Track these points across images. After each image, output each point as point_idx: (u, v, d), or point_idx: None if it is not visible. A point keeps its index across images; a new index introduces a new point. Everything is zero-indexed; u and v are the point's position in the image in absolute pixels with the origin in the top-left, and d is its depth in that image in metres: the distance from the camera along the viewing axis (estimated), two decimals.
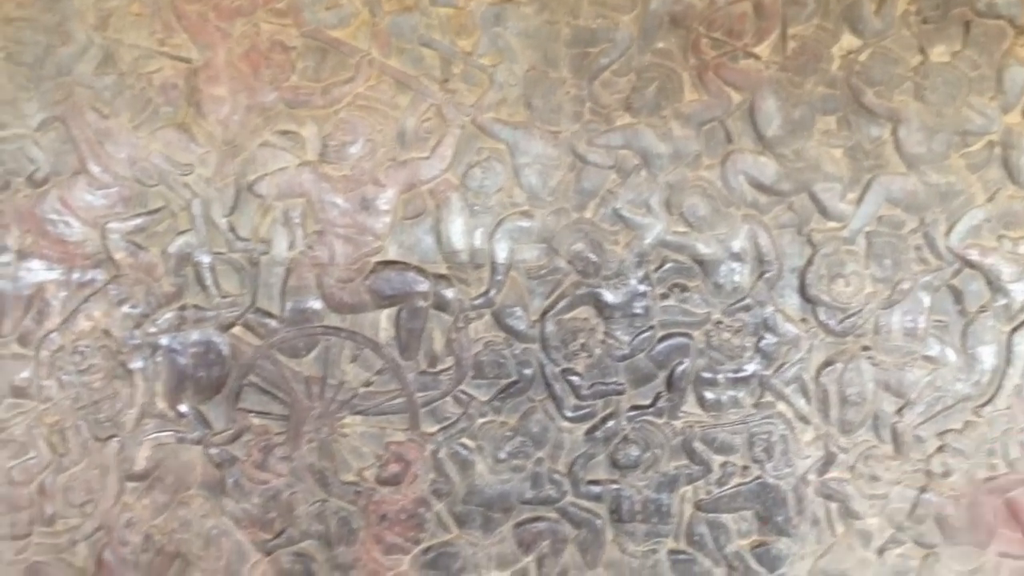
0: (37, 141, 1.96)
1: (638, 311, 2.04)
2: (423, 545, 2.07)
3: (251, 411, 2.03)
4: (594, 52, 2.02)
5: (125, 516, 2.02)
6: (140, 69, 1.96)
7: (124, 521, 2.02)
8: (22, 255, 1.96)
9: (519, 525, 2.07)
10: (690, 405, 2.06)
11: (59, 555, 2.01)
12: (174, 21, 1.96)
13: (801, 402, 2.05)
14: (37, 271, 1.97)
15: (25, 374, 1.98)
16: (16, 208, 1.96)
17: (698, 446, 2.07)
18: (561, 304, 2.03)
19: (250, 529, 2.04)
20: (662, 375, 2.05)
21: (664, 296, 2.04)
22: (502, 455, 2.06)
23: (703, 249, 2.04)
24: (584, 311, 2.04)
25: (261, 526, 2.05)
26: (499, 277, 2.02)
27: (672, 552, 2.08)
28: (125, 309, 1.99)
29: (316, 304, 2.01)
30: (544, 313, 2.03)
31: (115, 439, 2.01)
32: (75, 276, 1.98)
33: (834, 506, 2.06)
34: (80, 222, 1.97)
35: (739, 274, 2.04)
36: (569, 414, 2.06)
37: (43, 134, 1.96)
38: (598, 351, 2.04)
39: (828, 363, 2.04)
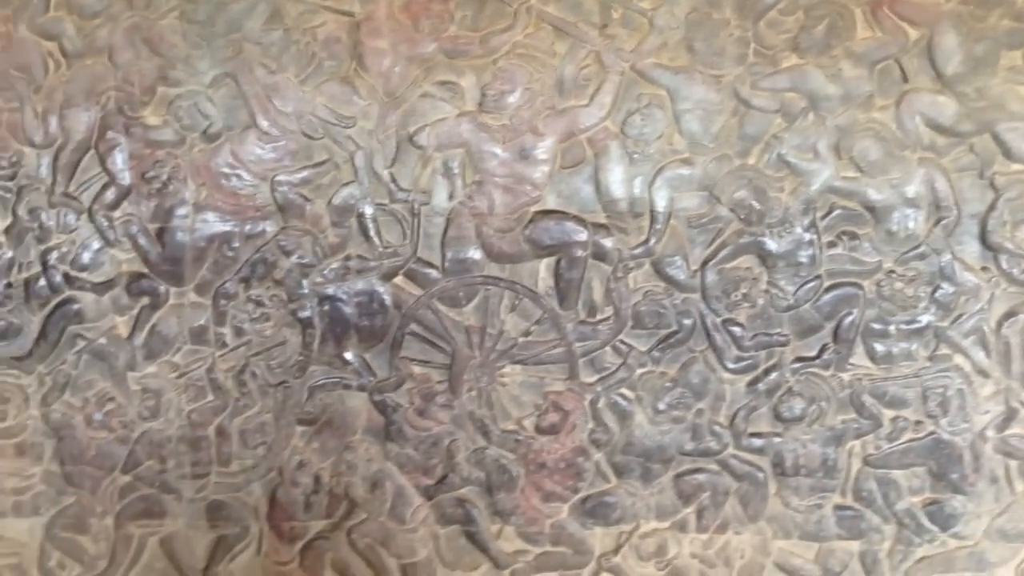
0: (210, 97, 2.37)
1: (803, 260, 2.32)
2: (582, 494, 2.42)
3: (413, 359, 2.41)
4: None
5: (296, 459, 2.45)
6: (305, 24, 2.35)
7: (295, 463, 2.45)
8: (198, 208, 2.40)
9: (679, 476, 2.40)
10: (859, 357, 2.33)
11: (235, 494, 2.47)
12: None
13: (980, 355, 2.30)
14: (212, 223, 2.40)
15: (202, 321, 2.43)
16: (192, 162, 2.39)
17: (867, 400, 2.35)
18: (723, 253, 2.33)
19: (412, 474, 2.44)
20: (829, 326, 2.33)
21: (832, 244, 2.31)
22: (661, 406, 2.39)
23: (874, 195, 2.30)
24: (746, 260, 2.33)
25: (423, 471, 2.44)
26: (659, 226, 2.33)
27: (838, 507, 2.38)
28: (294, 259, 2.41)
29: (476, 254, 2.37)
30: (705, 262, 2.33)
31: (285, 385, 2.43)
32: (247, 227, 2.40)
33: (1014, 464, 2.32)
34: (251, 175, 2.39)
35: (913, 221, 2.30)
36: (731, 365, 2.36)
37: (215, 90, 2.37)
38: (761, 301, 2.33)
39: (1010, 314, 2.29)
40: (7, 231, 2.39)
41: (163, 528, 2.48)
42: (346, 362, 2.42)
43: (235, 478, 2.46)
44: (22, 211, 2.38)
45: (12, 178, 2.37)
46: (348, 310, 2.39)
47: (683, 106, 2.29)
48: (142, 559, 2.49)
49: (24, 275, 2.40)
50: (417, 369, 2.41)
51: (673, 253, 2.33)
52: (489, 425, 2.41)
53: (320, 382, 2.43)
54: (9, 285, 2.40)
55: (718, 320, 2.34)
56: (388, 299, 2.38)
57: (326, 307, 2.40)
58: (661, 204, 2.31)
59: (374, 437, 2.43)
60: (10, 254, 2.40)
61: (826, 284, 2.31)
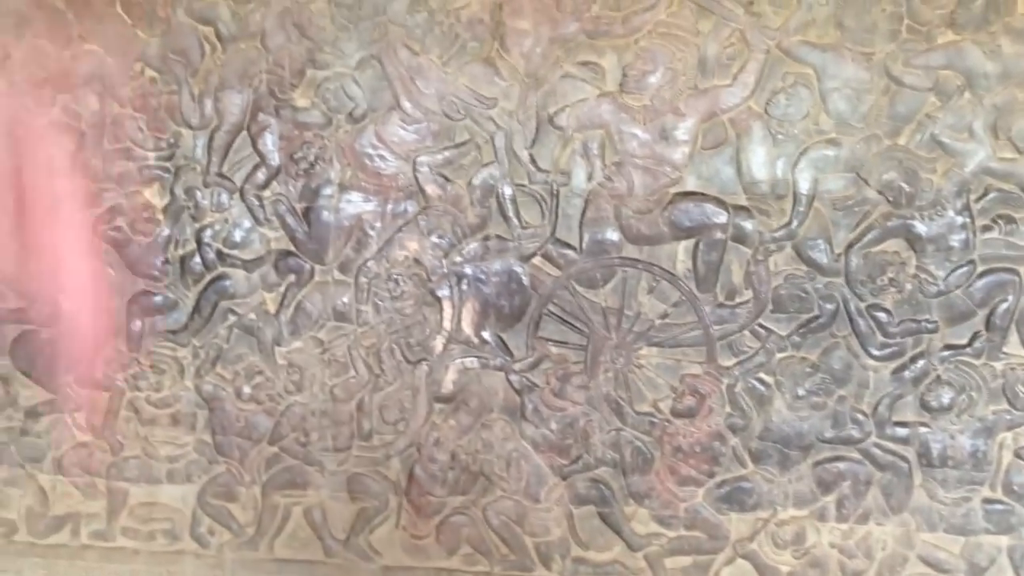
0: (356, 79, 2.91)
1: (955, 244, 2.69)
2: (718, 478, 2.88)
3: (550, 340, 2.90)
4: None
5: (433, 435, 3.00)
6: (449, 6, 2.84)
7: (432, 440, 3.01)
8: (343, 188, 2.96)
9: (818, 464, 2.83)
10: (1013, 346, 2.69)
11: (375, 468, 3.03)
12: None
13: None
14: (356, 203, 2.96)
15: (345, 299, 2.99)
16: (338, 143, 2.95)
17: (1021, 390, 2.72)
18: (869, 236, 2.72)
19: (548, 453, 2.96)
20: (981, 313, 2.70)
21: (986, 228, 2.67)
22: (801, 391, 2.81)
23: None
24: (894, 244, 2.71)
25: (558, 451, 2.95)
26: (801, 208, 2.73)
27: (987, 501, 2.77)
28: (433, 239, 2.94)
29: (614, 235, 2.84)
30: (849, 246, 2.73)
31: (425, 362, 2.97)
32: (389, 207, 2.95)
33: None
34: (394, 156, 2.93)
35: None
36: (875, 352, 2.76)
37: (361, 72, 2.91)
38: (909, 286, 2.72)
39: None
40: (165, 210, 3.00)
41: (307, 499, 3.08)
42: (484, 341, 2.94)
43: (375, 452, 3.03)
44: (179, 190, 2.99)
45: (170, 158, 2.97)
46: (487, 289, 2.91)
47: (830, 85, 2.67)
48: (287, 528, 3.11)
49: (180, 252, 3.01)
50: (554, 349, 2.90)
51: (816, 236, 2.73)
52: (625, 407, 2.90)
53: (458, 361, 2.97)
54: (166, 261, 3.02)
55: (862, 305, 2.74)
56: (526, 279, 2.88)
57: (465, 287, 2.93)
58: (805, 186, 2.72)
59: (510, 416, 2.95)
60: (167, 231, 3.01)
61: (979, 270, 2.67)
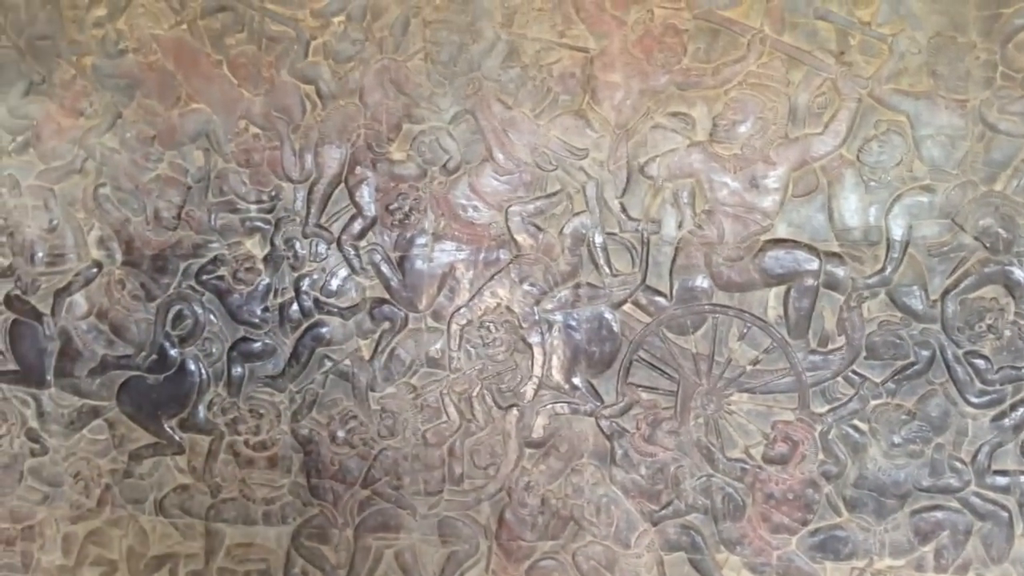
0: (451, 132, 2.83)
1: None
2: (811, 526, 2.70)
3: (640, 386, 2.78)
4: (1007, 13, 2.50)
5: (524, 480, 2.87)
6: (541, 61, 2.78)
7: (523, 484, 2.87)
8: (437, 237, 2.88)
9: (915, 513, 2.64)
10: None
11: (466, 512, 2.90)
12: (573, 14, 2.75)
13: None
14: (449, 251, 2.86)
15: (438, 346, 2.91)
16: (432, 194, 2.88)
17: None
18: (966, 283, 2.56)
19: (638, 499, 2.81)
20: None
21: None
22: (897, 439, 2.64)
23: None
24: (992, 290, 2.55)
25: (648, 497, 2.80)
26: (895, 254, 2.59)
27: None
28: (525, 287, 2.84)
29: (704, 282, 2.71)
30: (945, 292, 2.57)
31: (515, 408, 2.85)
32: (482, 256, 2.86)
33: None
34: (486, 206, 2.84)
35: None
36: (973, 399, 2.59)
37: (455, 126, 2.84)
38: (1008, 333, 2.55)
39: None
40: (265, 259, 2.94)
41: (399, 542, 2.96)
42: (574, 387, 2.81)
43: (466, 496, 2.90)
44: (279, 241, 2.92)
45: (271, 211, 2.92)
46: (578, 336, 2.80)
47: (924, 132, 2.54)
48: (378, 570, 2.98)
49: (279, 300, 2.94)
50: (644, 395, 2.78)
51: (911, 283, 2.58)
52: (715, 453, 2.75)
53: (548, 406, 2.84)
54: (266, 309, 2.95)
55: (960, 352, 2.57)
56: (616, 326, 2.77)
57: (556, 333, 2.81)
58: (898, 232, 2.58)
59: (600, 461, 2.82)
60: (267, 280, 2.95)
61: None
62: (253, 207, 2.94)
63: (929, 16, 2.54)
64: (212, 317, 2.94)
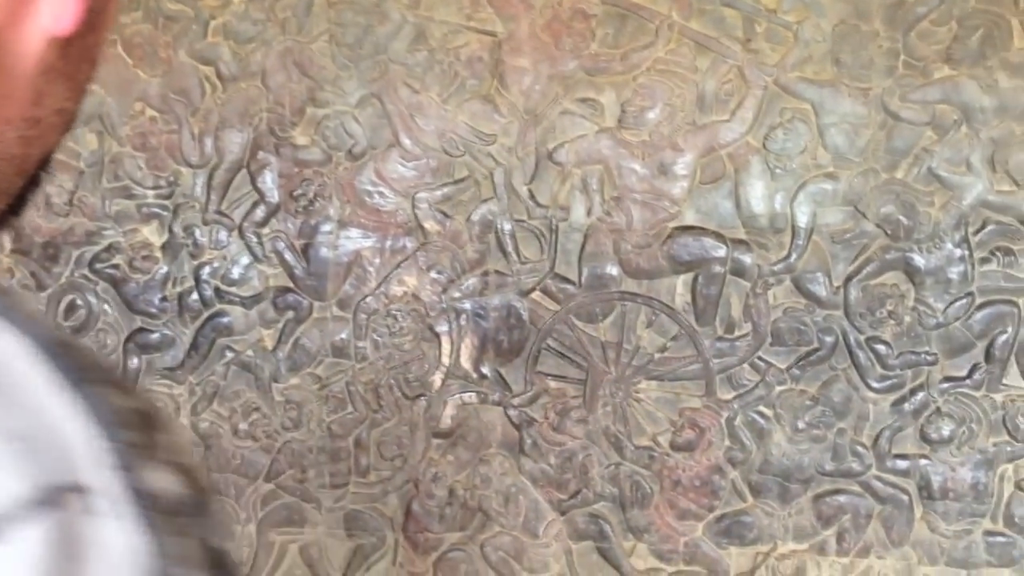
0: (356, 117, 2.61)
1: (954, 277, 2.44)
2: (717, 512, 2.58)
3: (549, 374, 2.61)
4: (910, 1, 2.40)
5: (431, 471, 2.68)
6: (449, 44, 2.59)
7: (430, 476, 2.68)
8: (342, 224, 2.66)
9: (818, 497, 2.54)
10: (1013, 377, 2.44)
11: (372, 504, 2.69)
12: None
13: None
14: (355, 239, 2.66)
15: (343, 335, 2.69)
16: (337, 180, 2.66)
17: (1021, 422, 2.45)
18: (867, 269, 2.47)
19: (546, 488, 2.64)
20: (981, 345, 2.45)
21: (985, 260, 2.43)
22: (801, 424, 2.54)
23: None
24: (893, 277, 2.46)
25: (557, 486, 2.64)
26: (800, 242, 2.49)
27: (989, 533, 2.49)
28: (432, 275, 2.65)
29: (613, 270, 2.57)
30: (848, 279, 2.48)
31: (423, 398, 2.66)
32: (388, 244, 2.65)
33: None
34: (393, 192, 2.64)
35: None
36: (875, 384, 2.50)
37: (361, 110, 2.63)
38: (908, 319, 2.46)
39: None
40: (163, 247, 2.68)
41: (303, 536, 2.73)
42: (483, 376, 2.64)
43: (372, 489, 2.69)
44: (178, 228, 2.66)
45: (169, 196, 2.66)
46: (486, 324, 2.62)
47: (828, 120, 2.44)
48: (283, 566, 2.75)
49: (178, 289, 2.69)
50: (553, 384, 2.61)
51: (815, 269, 2.48)
52: (624, 441, 2.60)
53: (456, 395, 2.65)
54: (164, 299, 2.69)
55: (862, 338, 2.48)
56: (525, 314, 2.60)
57: (463, 322, 2.63)
58: (803, 219, 2.47)
59: (508, 451, 2.64)
60: (165, 269, 2.69)
61: (978, 302, 2.43)
62: (150, 193, 2.68)
63: (833, 4, 2.44)
64: (107, 307, 2.69)
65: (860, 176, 2.44)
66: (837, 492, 2.53)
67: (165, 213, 2.69)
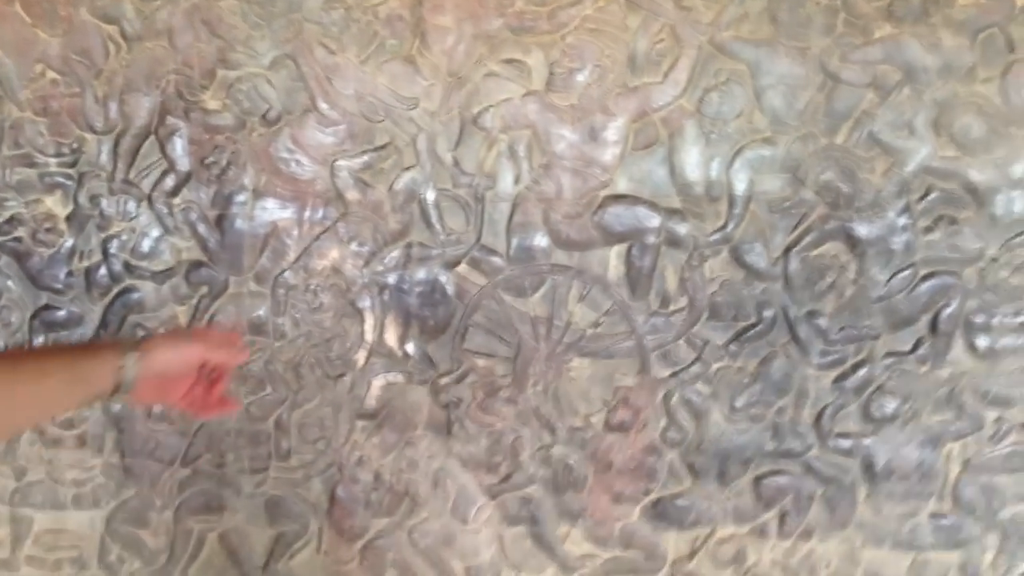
0: (269, 79, 2.50)
1: (896, 247, 2.36)
2: (653, 496, 2.51)
3: (476, 352, 2.52)
4: None
5: (356, 454, 2.59)
6: (366, 2, 2.43)
7: (355, 459, 2.60)
8: (257, 194, 2.54)
9: (758, 479, 2.47)
10: (958, 352, 2.37)
11: (295, 489, 2.62)
12: None
13: None
14: (272, 210, 2.54)
15: (261, 312, 2.58)
16: (251, 147, 2.53)
17: (967, 399, 2.39)
18: (807, 239, 2.38)
19: (476, 472, 2.57)
20: (924, 318, 2.37)
21: (928, 230, 2.34)
22: (739, 403, 2.46)
23: (977, 176, 2.31)
24: (833, 247, 2.38)
25: (487, 469, 2.56)
26: (737, 211, 2.39)
27: (934, 515, 2.43)
28: (353, 247, 2.54)
29: (542, 241, 2.47)
30: (787, 249, 2.38)
31: (346, 377, 2.57)
32: (307, 214, 2.54)
33: None
34: (310, 160, 2.53)
35: (1020, 203, 2.30)
36: (815, 360, 2.41)
37: (275, 72, 2.50)
38: (849, 291, 2.38)
39: None
40: (68, 218, 2.58)
41: (222, 523, 2.66)
42: (407, 354, 2.55)
43: (294, 473, 2.62)
44: (83, 198, 2.56)
45: (73, 164, 2.55)
46: (409, 300, 2.53)
47: (765, 82, 2.34)
48: (201, 555, 2.67)
49: (85, 264, 2.59)
50: (480, 362, 2.52)
51: (753, 239, 2.39)
52: (555, 421, 2.52)
53: (380, 375, 2.57)
54: (70, 274, 2.59)
55: (802, 312, 2.40)
56: (451, 288, 2.51)
57: (386, 297, 2.54)
58: (740, 187, 2.38)
59: (436, 433, 2.56)
60: (71, 242, 2.59)
61: (922, 273, 2.35)
62: (53, 161, 2.57)
63: None
64: (10, 283, 2.59)
65: (799, 141, 2.35)
66: (778, 473, 2.47)
67: (69, 183, 2.58)
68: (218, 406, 1.77)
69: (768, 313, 2.42)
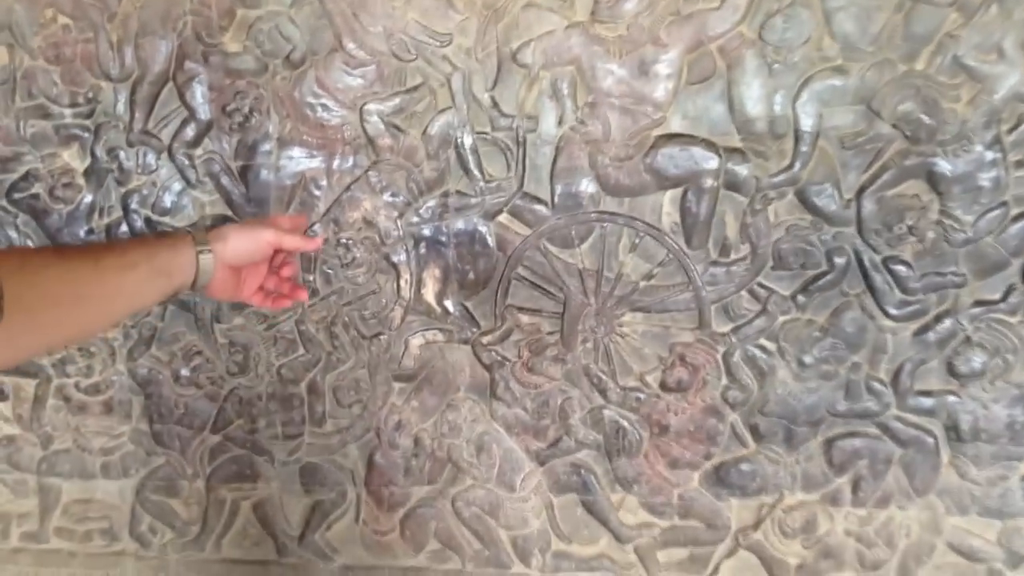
0: (292, 18, 2.35)
1: (985, 184, 2.14)
2: (715, 460, 2.36)
3: (521, 308, 2.38)
4: None
5: (394, 418, 2.47)
6: None
7: (393, 423, 2.48)
8: (282, 143, 2.41)
9: (830, 441, 2.30)
10: None
11: (331, 456, 2.51)
12: None
13: None
14: (298, 159, 2.41)
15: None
16: (275, 92, 2.40)
17: None
18: (883, 178, 2.17)
19: (522, 436, 2.44)
20: (1016, 263, 2.16)
21: (1020, 164, 2.12)
22: (808, 359, 2.28)
23: None
24: (913, 186, 2.17)
25: (534, 433, 2.44)
26: (805, 148, 2.19)
27: None
28: (386, 197, 2.39)
29: (590, 187, 2.30)
30: (861, 190, 2.18)
31: (382, 337, 2.45)
32: (336, 164, 2.40)
33: None
34: (338, 104, 2.38)
35: None
36: (893, 311, 2.22)
37: (298, 10, 2.35)
38: (931, 235, 2.18)
39: None
40: (86, 173, 2.47)
41: (256, 492, 2.57)
42: (447, 311, 2.41)
43: (330, 439, 2.51)
44: (100, 151, 2.45)
45: (90, 115, 2.44)
46: (448, 253, 2.38)
47: (835, 3, 2.13)
48: (235, 524, 2.59)
49: (105, 220, 2.49)
50: (525, 318, 2.38)
51: (822, 180, 2.20)
52: (607, 381, 2.37)
53: (418, 334, 2.44)
54: (91, 231, 2.49)
55: (878, 258, 2.21)
56: (491, 240, 2.36)
57: (423, 250, 2.39)
58: (808, 122, 2.18)
59: (479, 395, 2.43)
60: (90, 198, 2.48)
61: (1013, 212, 2.14)
62: (68, 112, 2.46)
63: None
64: (29, 243, 2.50)
65: (874, 69, 2.14)
66: (851, 435, 2.31)
67: (86, 135, 2.48)
68: (291, 294, 1.77)
69: (840, 260, 2.23)
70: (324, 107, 2.38)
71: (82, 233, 2.50)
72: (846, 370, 2.28)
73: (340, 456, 2.53)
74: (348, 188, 2.40)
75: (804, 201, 2.22)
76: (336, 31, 2.35)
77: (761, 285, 2.27)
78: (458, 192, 2.37)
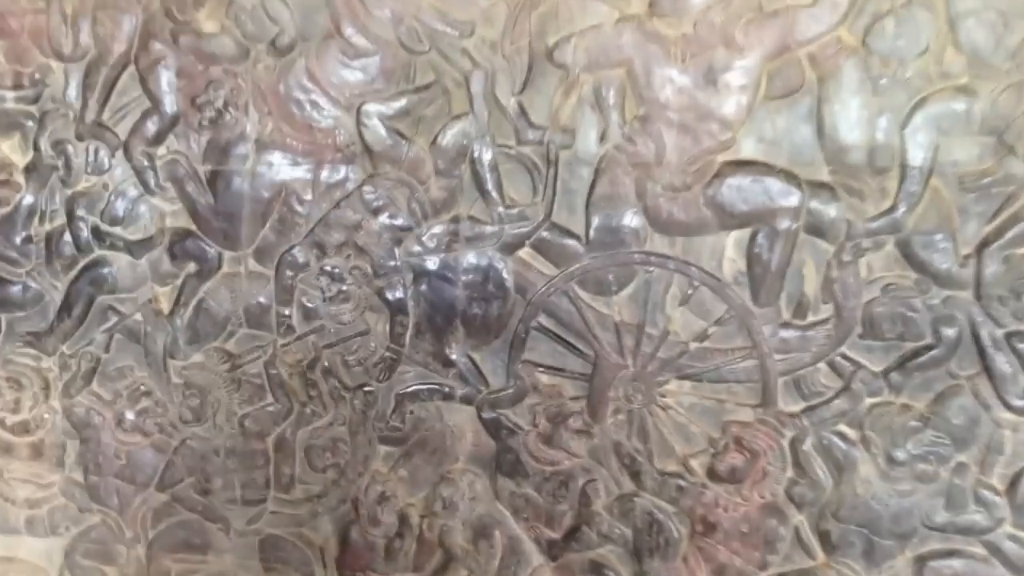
0: None
1: None
2: (772, 571, 2.04)
3: (540, 365, 2.08)
4: None
5: (377, 489, 2.18)
6: None
7: (375, 495, 2.18)
8: (261, 145, 2.11)
9: (922, 559, 1.97)
10: None
11: (298, 528, 2.24)
12: None
13: None
14: (279, 166, 2.11)
15: (263, 298, 2.15)
16: (256, 83, 2.09)
17: None
18: (1013, 232, 1.83)
19: (532, 523, 2.14)
20: None
21: None
22: (901, 454, 1.95)
23: None
24: None
25: (546, 521, 2.13)
26: (913, 188, 1.86)
27: None
28: (383, 219, 2.08)
29: (635, 221, 1.99)
30: (983, 244, 1.84)
31: (368, 388, 2.16)
32: (323, 174, 2.10)
33: None
34: (331, 102, 2.06)
35: None
36: (1016, 402, 1.87)
37: None
38: None
39: None
40: (27, 169, 2.22)
41: (206, 566, 2.32)
42: (449, 363, 2.12)
43: (298, 508, 2.25)
44: (45, 143, 2.20)
45: (35, 100, 2.19)
46: (454, 292, 2.09)
47: (963, 6, 1.78)
48: None
49: (47, 227, 2.23)
50: (545, 379, 2.09)
51: (933, 229, 1.86)
52: (642, 463, 2.07)
53: (412, 388, 2.16)
54: (28, 240, 2.25)
55: (999, 332, 1.86)
56: (509, 279, 2.06)
57: (424, 287, 2.11)
58: (918, 155, 1.84)
59: (482, 468, 2.16)
60: (30, 199, 2.24)
61: None
62: (10, 95, 2.20)
63: None
64: None
65: (1010, 91, 1.78)
66: (950, 554, 1.96)
67: (29, 123, 2.22)
68: None
69: (949, 332, 1.89)
70: (314, 105, 2.09)
71: (18, 241, 2.27)
72: (949, 472, 1.94)
73: (309, 530, 2.27)
74: (337, 205, 2.11)
75: (908, 255, 1.90)
76: (334, 13, 2.05)
77: (845, 357, 1.95)
78: (471, 218, 2.08)
